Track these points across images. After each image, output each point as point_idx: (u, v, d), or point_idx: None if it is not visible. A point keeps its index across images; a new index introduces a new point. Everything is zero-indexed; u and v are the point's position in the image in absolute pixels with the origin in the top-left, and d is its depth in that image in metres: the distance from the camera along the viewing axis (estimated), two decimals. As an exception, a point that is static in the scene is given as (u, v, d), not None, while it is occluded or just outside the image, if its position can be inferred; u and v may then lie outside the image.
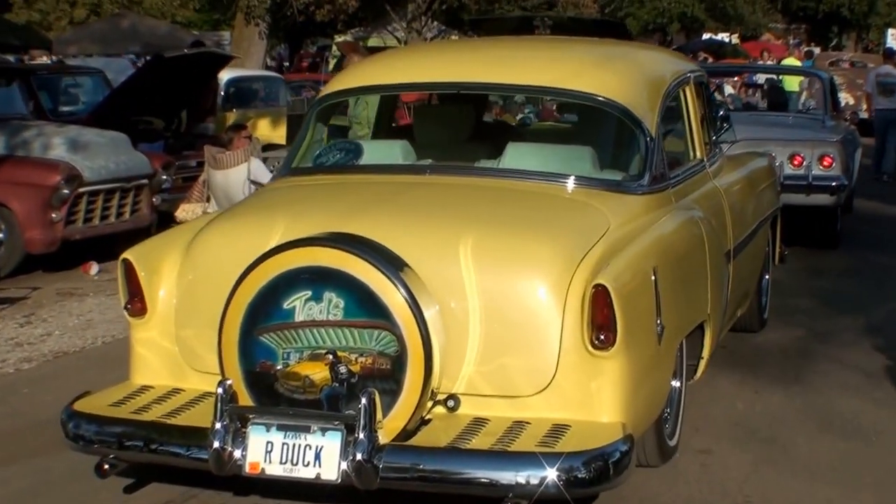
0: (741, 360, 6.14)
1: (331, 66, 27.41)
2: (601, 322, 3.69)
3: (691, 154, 5.34)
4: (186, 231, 4.46)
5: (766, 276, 6.81)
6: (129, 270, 4.20)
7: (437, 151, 5.13)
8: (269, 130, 13.25)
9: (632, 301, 3.79)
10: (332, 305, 3.70)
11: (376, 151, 5.04)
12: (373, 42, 32.39)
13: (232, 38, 25.15)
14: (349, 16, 27.92)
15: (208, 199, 8.85)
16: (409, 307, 3.64)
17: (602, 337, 3.69)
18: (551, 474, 3.48)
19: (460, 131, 5.53)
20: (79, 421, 3.94)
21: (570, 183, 4.45)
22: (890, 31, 45.87)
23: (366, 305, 3.67)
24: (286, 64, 32.88)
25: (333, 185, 4.65)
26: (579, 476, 3.53)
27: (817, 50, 35.10)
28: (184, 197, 9.23)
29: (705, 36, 40.57)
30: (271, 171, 8.72)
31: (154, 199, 9.60)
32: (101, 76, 12.17)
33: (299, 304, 3.72)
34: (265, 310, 3.76)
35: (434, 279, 3.78)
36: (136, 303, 4.20)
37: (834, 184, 9.30)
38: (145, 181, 9.47)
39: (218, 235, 4.24)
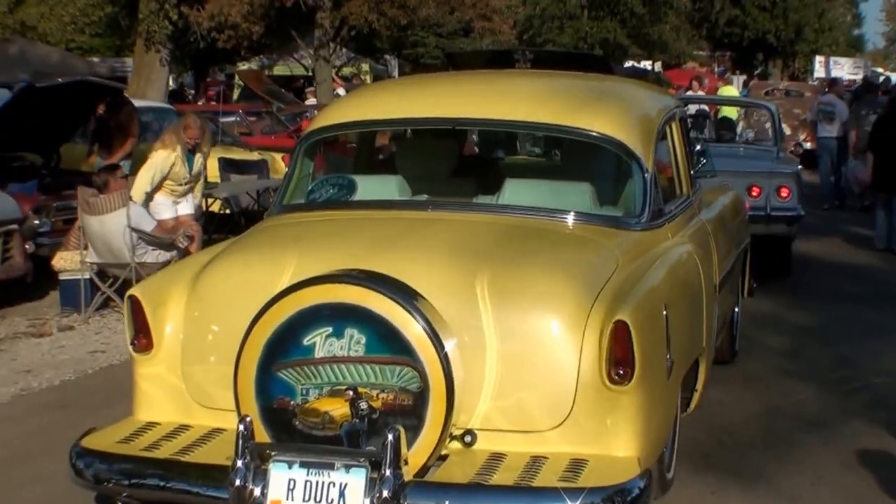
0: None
1: (235, 97, 27.30)
2: (620, 357, 3.89)
3: (678, 189, 5.61)
4: (190, 267, 4.55)
5: (737, 309, 7.11)
6: (136, 307, 4.29)
7: (426, 186, 5.28)
8: None
9: (648, 336, 4.00)
10: (354, 341, 3.83)
11: (370, 186, 5.19)
12: (279, 70, 32.54)
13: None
14: (253, 42, 27.76)
15: (86, 248, 8.61)
16: (432, 343, 3.80)
17: (621, 372, 3.89)
18: (573, 509, 3.66)
19: (445, 165, 5.70)
20: (90, 459, 4.00)
21: (573, 219, 4.67)
22: (818, 58, 47.66)
23: (388, 341, 3.81)
24: (192, 93, 32.52)
25: (335, 221, 4.79)
26: (600, 510, 3.70)
27: (741, 78, 36.24)
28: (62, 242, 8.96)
29: (627, 64, 41.43)
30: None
31: (28, 246, 9.11)
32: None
33: (319, 340, 3.85)
34: (284, 346, 3.88)
35: (451, 316, 3.94)
36: (142, 339, 4.29)
37: (791, 214, 9.88)
38: (14, 226, 8.90)
39: (226, 272, 4.35)
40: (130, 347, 4.34)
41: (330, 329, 3.84)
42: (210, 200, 11.67)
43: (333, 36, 27.63)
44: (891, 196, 11.96)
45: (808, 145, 19.61)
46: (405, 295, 3.85)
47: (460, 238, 4.44)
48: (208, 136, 10.09)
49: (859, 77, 35.18)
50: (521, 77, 5.98)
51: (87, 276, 8.74)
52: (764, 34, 49.39)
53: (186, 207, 9.60)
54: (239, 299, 4.14)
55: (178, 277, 4.47)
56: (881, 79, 27.67)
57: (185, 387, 4.24)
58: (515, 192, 4.92)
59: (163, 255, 8.70)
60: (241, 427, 3.76)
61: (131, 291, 4.35)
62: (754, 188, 9.69)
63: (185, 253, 8.60)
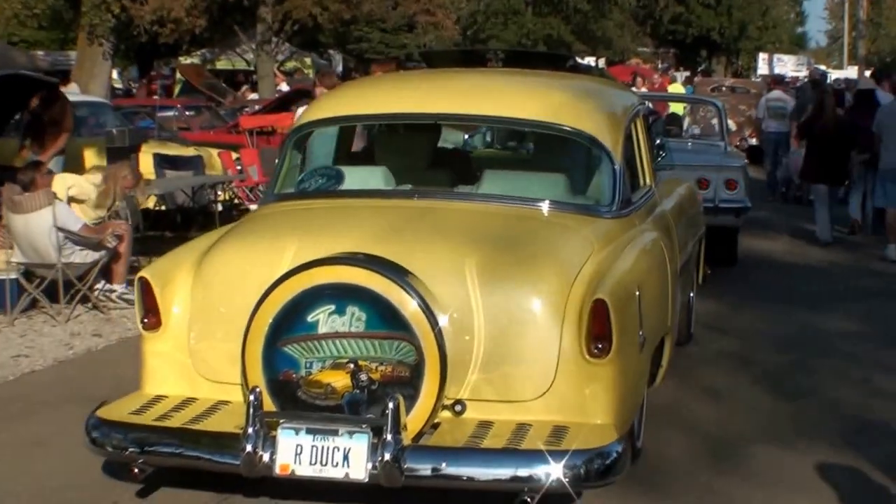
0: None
1: (177, 91, 27.45)
2: (598, 333, 4.35)
3: (643, 180, 6.09)
4: (194, 250, 4.96)
5: (692, 294, 7.62)
6: (146, 287, 4.68)
7: (406, 176, 5.73)
8: (94, 161, 12.52)
9: (624, 314, 4.47)
10: (355, 318, 4.26)
11: (357, 176, 5.63)
12: (221, 64, 32.68)
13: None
14: (196, 37, 27.90)
15: (11, 247, 8.49)
16: (427, 320, 4.23)
17: (600, 346, 4.35)
18: (558, 470, 4.10)
19: (423, 157, 6.15)
20: (106, 429, 4.39)
21: (550, 207, 5.14)
22: (761, 55, 48.82)
23: (386, 318, 4.24)
24: (135, 86, 32.57)
25: (330, 209, 5.22)
26: (581, 472, 4.15)
27: (683, 75, 37.08)
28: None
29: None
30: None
31: None
32: None
33: (323, 317, 4.27)
34: (289, 323, 4.29)
35: (442, 295, 4.38)
36: (151, 318, 4.69)
37: (738, 206, 10.51)
38: None
39: (230, 255, 4.76)
40: (140, 326, 4.74)
41: (333, 307, 4.27)
42: (144, 197, 11.56)
43: (276, 31, 27.87)
44: (830, 188, 12.62)
45: (753, 141, 20.38)
46: (402, 276, 4.29)
47: (448, 225, 4.89)
48: (142, 185, 10.12)
49: (802, 74, 36.21)
50: (497, 76, 6.47)
51: (13, 277, 8.52)
52: (708, 31, 50.68)
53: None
54: (242, 281, 4.55)
55: (183, 260, 4.88)
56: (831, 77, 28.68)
57: (192, 362, 4.64)
58: (494, 182, 5.39)
59: (90, 255, 8.59)
60: (252, 397, 4.17)
61: (142, 273, 4.78)
62: (703, 181, 10.23)
63: (113, 253, 8.66)
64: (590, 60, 42.97)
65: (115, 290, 8.86)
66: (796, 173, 15.27)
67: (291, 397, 4.29)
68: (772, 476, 5.19)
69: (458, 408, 4.41)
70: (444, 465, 4.16)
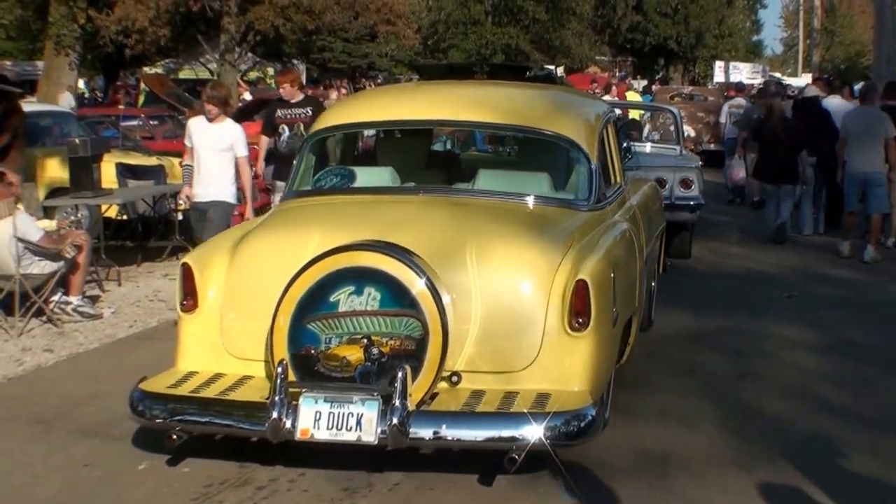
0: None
1: (141, 101, 27.87)
2: (579, 309, 5.03)
3: (614, 178, 6.79)
4: (228, 240, 5.66)
5: (654, 283, 8.33)
6: (188, 273, 5.33)
7: (407, 175, 6.43)
8: (57, 172, 12.81)
9: (601, 293, 5.14)
10: (371, 298, 4.90)
11: (367, 176, 6.37)
12: (185, 74, 33.19)
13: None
14: (160, 47, 28.31)
15: None
16: (433, 298, 4.88)
17: (580, 321, 5.02)
18: (540, 431, 4.74)
19: (420, 158, 6.86)
20: (149, 401, 5.03)
21: (536, 201, 5.83)
22: (717, 63, 49.95)
23: (398, 297, 4.89)
24: (100, 96, 32.95)
25: (347, 203, 5.90)
26: (561, 432, 4.80)
27: (641, 83, 37.97)
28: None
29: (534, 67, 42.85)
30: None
31: None
32: None
33: (343, 297, 4.92)
34: (314, 302, 4.93)
35: (446, 278, 5.02)
36: (189, 301, 5.35)
37: (693, 203, 11.55)
38: None
39: (260, 246, 5.45)
40: (179, 308, 5.42)
41: (352, 288, 4.92)
42: (106, 206, 11.76)
43: (239, 40, 28.28)
44: (777, 188, 13.43)
45: (711, 146, 21.27)
46: (413, 260, 4.94)
47: (450, 216, 5.58)
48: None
49: (757, 81, 37.26)
50: (487, 87, 7.21)
51: None
52: (665, 40, 51.76)
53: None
54: (271, 267, 5.23)
55: (218, 249, 5.55)
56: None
57: (222, 341, 5.27)
58: (487, 180, 6.13)
59: (49, 266, 8.66)
60: (279, 369, 4.80)
61: (185, 259, 5.48)
62: (661, 181, 11.07)
63: (72, 263, 8.75)
64: (549, 68, 44.09)
65: (70, 303, 8.96)
66: (729, 181, 16.05)
67: (311, 370, 4.91)
68: (716, 489, 5.21)
69: (454, 378, 5.05)
70: (443, 428, 4.80)
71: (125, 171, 13.21)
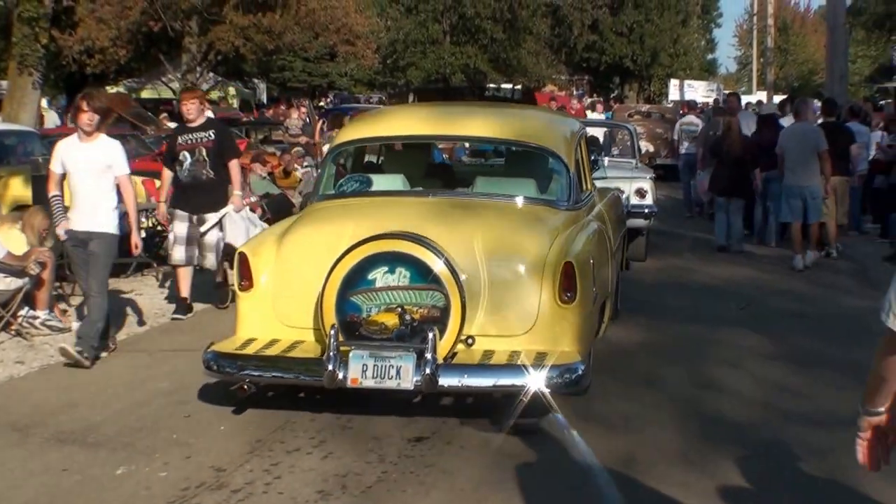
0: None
1: None
2: (567, 286, 6.58)
3: (585, 185, 8.39)
4: (272, 234, 7.20)
5: (618, 278, 9.92)
6: (244, 260, 6.81)
7: (414, 181, 7.98)
8: (20, 190, 13.30)
9: (584, 274, 6.71)
10: (402, 276, 6.43)
11: (383, 182, 7.94)
12: (146, 94, 34.51)
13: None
14: (122, 66, 29.44)
15: None
16: (453, 276, 6.41)
17: (568, 295, 6.58)
18: (542, 379, 6.27)
19: (421, 168, 8.44)
20: (222, 360, 6.55)
21: (527, 202, 7.41)
22: (672, 81, 52.05)
23: (424, 275, 6.42)
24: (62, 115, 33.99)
25: (370, 204, 7.41)
26: (558, 381, 6.34)
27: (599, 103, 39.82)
28: None
29: (491, 86, 44.59)
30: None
31: None
32: None
33: (379, 276, 6.43)
34: (355, 280, 6.44)
35: (460, 261, 6.56)
36: (246, 282, 6.82)
37: (647, 210, 13.26)
38: None
39: (303, 237, 6.97)
40: (238, 288, 6.93)
41: (386, 268, 6.43)
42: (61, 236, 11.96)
43: (200, 60, 29.61)
44: (729, 201, 15.00)
45: (668, 161, 23.13)
46: (434, 246, 6.47)
47: (459, 213, 7.13)
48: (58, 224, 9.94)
49: (712, 99, 39.27)
50: (480, 107, 8.83)
51: None
52: (621, 59, 53.88)
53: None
54: (313, 254, 6.74)
55: (265, 241, 7.08)
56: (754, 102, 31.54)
57: (275, 313, 6.76)
58: (484, 185, 7.74)
59: (14, 282, 8.99)
60: (332, 332, 6.31)
61: (241, 249, 7.01)
62: (618, 190, 12.73)
63: (37, 280, 9.19)
64: (506, 87, 45.84)
65: (38, 317, 9.33)
66: (701, 193, 17.71)
67: (354, 334, 6.42)
68: (679, 489, 5.59)
69: (469, 341, 6.58)
70: (465, 377, 6.34)
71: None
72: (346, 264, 6.47)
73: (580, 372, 6.42)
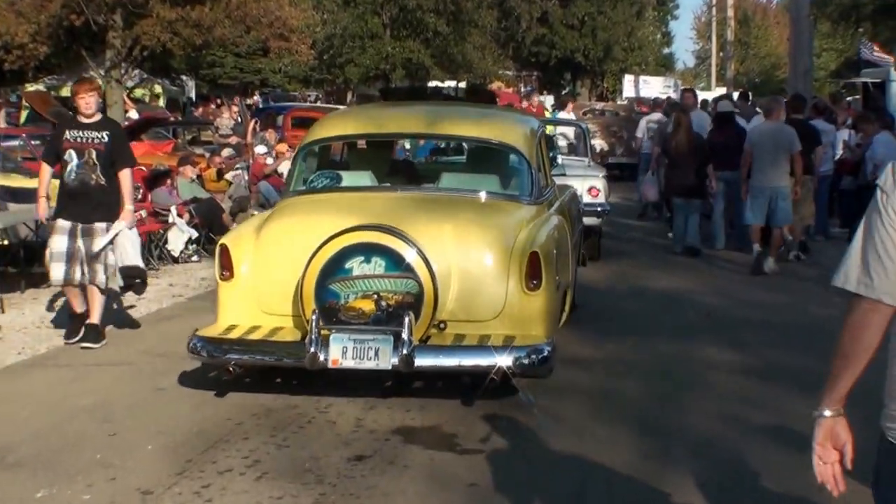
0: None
1: (23, 119, 29.70)
2: (532, 274, 7.71)
3: (546, 181, 9.54)
4: (249, 227, 8.31)
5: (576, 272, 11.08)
6: (224, 251, 7.88)
7: (380, 177, 9.08)
8: None
9: (548, 262, 7.84)
10: (377, 265, 7.51)
11: (351, 178, 9.03)
12: (67, 91, 34.94)
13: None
14: (42, 63, 29.93)
15: None
16: (425, 264, 7.50)
17: (534, 282, 7.71)
18: (510, 359, 7.36)
19: (384, 164, 9.56)
20: (206, 344, 7.61)
21: (492, 196, 8.56)
22: (627, 77, 53.49)
23: (398, 264, 7.51)
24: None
25: (340, 199, 8.51)
26: (525, 361, 7.44)
27: (549, 98, 41.04)
28: None
29: (431, 84, 45.40)
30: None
31: None
32: None
33: (356, 265, 7.51)
34: (333, 269, 7.52)
35: (431, 251, 7.64)
36: (227, 272, 7.90)
37: (600, 209, 14.51)
38: None
39: (280, 229, 8.06)
40: (219, 278, 8.00)
41: (363, 258, 7.52)
42: None
43: (125, 56, 30.01)
44: (687, 202, 15.71)
45: (623, 159, 24.43)
46: (407, 237, 7.55)
47: (428, 207, 8.26)
48: None
49: (669, 95, 40.66)
50: (445, 107, 10.01)
51: None
52: (572, 53, 55.04)
53: None
54: (291, 245, 7.82)
55: (246, 232, 8.16)
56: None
57: (255, 301, 7.82)
58: (449, 180, 8.89)
59: None
60: (314, 317, 7.37)
61: (222, 240, 8.12)
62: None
63: None
64: (451, 84, 46.74)
65: None
66: (643, 197, 18.64)
67: (334, 319, 7.48)
68: None
69: (441, 325, 7.68)
70: (440, 357, 7.44)
71: (5, 195, 13.80)
72: (325, 254, 7.54)
73: (545, 353, 7.53)
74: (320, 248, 7.57)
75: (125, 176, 9.69)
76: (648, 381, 8.63)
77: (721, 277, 14.05)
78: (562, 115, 23.05)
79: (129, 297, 11.15)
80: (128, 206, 9.71)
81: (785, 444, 6.68)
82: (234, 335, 7.72)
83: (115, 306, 10.92)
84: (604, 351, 9.63)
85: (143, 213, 13.93)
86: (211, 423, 7.31)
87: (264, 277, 7.92)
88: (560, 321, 8.80)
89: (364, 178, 9.06)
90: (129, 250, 9.74)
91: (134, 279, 9.98)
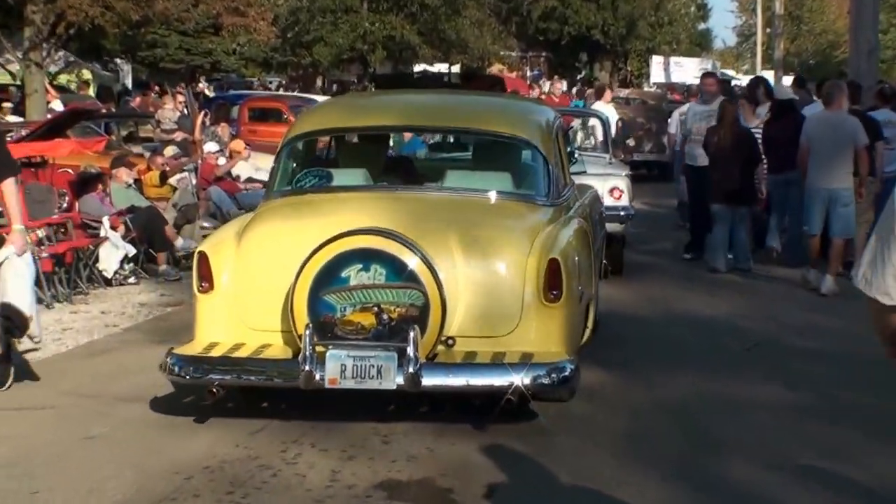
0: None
1: None
2: (553, 284, 8.43)
3: (565, 180, 10.31)
4: (234, 230, 8.99)
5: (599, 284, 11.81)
6: (203, 259, 8.60)
7: (374, 175, 9.84)
8: None
9: (569, 270, 8.57)
10: (377, 273, 8.22)
11: (342, 176, 9.78)
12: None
13: None
14: None
15: None
16: (431, 273, 8.22)
17: (554, 293, 8.44)
18: (528, 378, 8.08)
19: (378, 161, 10.33)
20: (184, 364, 8.28)
21: (504, 197, 9.34)
22: (655, 58, 53.73)
23: (401, 273, 8.21)
24: None
25: (331, 199, 9.26)
26: (544, 381, 8.16)
27: (562, 84, 41.56)
28: None
29: (418, 68, 45.71)
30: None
31: None
32: None
33: (353, 273, 8.22)
34: (328, 278, 8.21)
35: (437, 258, 8.36)
36: (205, 283, 8.62)
37: (623, 213, 14.97)
38: None
39: (264, 234, 8.77)
40: (197, 290, 8.66)
41: (361, 265, 8.23)
42: None
43: (47, 35, 29.87)
44: (731, 209, 15.72)
45: (651, 157, 24.98)
46: (410, 242, 8.28)
47: (431, 209, 9.03)
48: None
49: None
50: (447, 95, 10.77)
51: None
52: (589, 30, 55.04)
53: None
54: (277, 252, 8.54)
55: (224, 239, 8.87)
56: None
57: (239, 315, 8.53)
58: (455, 178, 9.64)
59: None
60: (307, 332, 8.08)
61: (200, 248, 8.81)
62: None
63: None
64: (441, 68, 47.13)
65: None
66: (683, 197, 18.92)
67: (330, 334, 8.20)
68: None
69: (449, 342, 8.39)
70: (450, 376, 8.17)
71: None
72: (318, 262, 8.24)
73: (568, 372, 8.25)
74: (313, 254, 8.23)
75: (8, 186, 9.42)
76: (682, 422, 8.97)
77: (770, 299, 14.16)
78: (598, 105, 23.21)
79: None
80: (16, 226, 9.42)
81: (845, 495, 7.05)
82: (216, 353, 8.39)
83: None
84: (627, 386, 9.98)
85: (70, 224, 14.33)
86: (154, 478, 7.40)
87: (248, 289, 8.60)
88: (582, 338, 9.46)
89: (357, 176, 9.77)
90: (11, 284, 9.35)
91: (9, 320, 9.38)
